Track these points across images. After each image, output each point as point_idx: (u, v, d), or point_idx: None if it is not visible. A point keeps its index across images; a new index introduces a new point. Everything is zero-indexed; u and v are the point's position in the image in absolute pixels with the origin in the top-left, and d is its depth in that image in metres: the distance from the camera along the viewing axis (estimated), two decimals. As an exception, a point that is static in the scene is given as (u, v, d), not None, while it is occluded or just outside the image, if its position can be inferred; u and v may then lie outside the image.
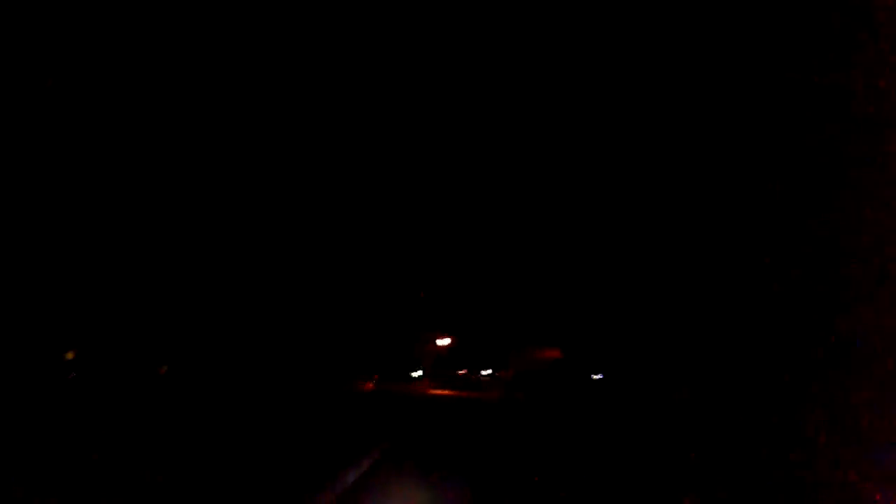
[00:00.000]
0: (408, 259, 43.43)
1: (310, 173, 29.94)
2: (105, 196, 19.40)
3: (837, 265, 14.53)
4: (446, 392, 42.97)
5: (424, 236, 43.52)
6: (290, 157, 27.64)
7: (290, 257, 30.30)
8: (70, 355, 17.29)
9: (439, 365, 49.80)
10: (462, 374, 56.70)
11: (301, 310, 31.57)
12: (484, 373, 55.09)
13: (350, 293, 36.80)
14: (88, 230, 19.14)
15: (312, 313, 32.77)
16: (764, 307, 18.14)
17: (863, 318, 13.00)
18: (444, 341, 47.52)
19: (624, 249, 28.47)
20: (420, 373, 50.57)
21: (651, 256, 25.83)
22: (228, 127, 23.34)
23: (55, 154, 17.43)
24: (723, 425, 14.29)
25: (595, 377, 30.93)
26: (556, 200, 34.38)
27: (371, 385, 36.45)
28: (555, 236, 36.51)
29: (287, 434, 8.93)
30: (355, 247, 35.59)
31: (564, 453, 9.06)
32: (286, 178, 28.20)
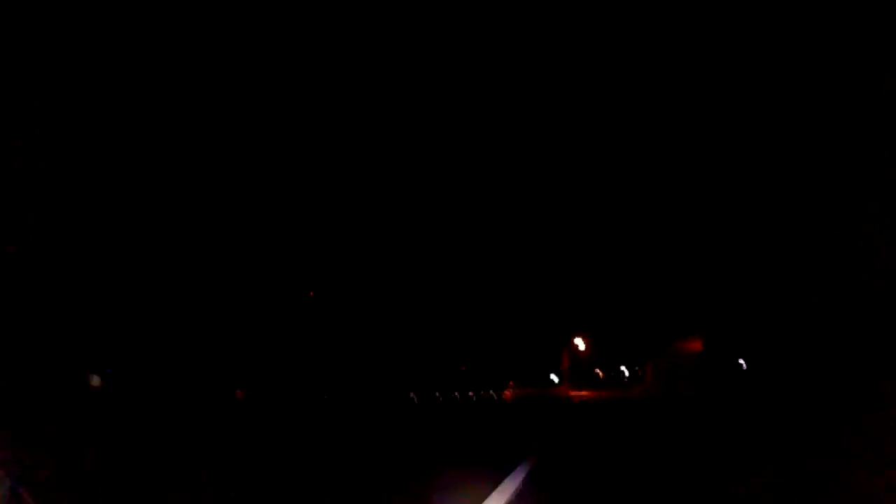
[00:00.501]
0: (533, 262, 43.43)
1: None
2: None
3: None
4: (588, 393, 42.32)
5: (546, 241, 43.52)
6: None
7: (411, 270, 30.68)
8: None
9: (577, 366, 49.02)
10: (600, 374, 55.74)
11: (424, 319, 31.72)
12: (624, 370, 53.91)
13: (473, 298, 36.89)
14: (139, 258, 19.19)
15: (434, 321, 32.87)
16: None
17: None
18: (580, 342, 46.77)
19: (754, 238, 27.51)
20: (555, 377, 50.08)
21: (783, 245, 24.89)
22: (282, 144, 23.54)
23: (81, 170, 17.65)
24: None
25: (741, 363, 29.44)
26: (683, 196, 33.63)
27: (509, 394, 36.16)
28: (685, 229, 35.62)
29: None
30: (476, 255, 35.91)
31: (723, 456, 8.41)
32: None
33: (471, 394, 31.35)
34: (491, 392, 34.07)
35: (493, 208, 37.16)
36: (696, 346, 34.87)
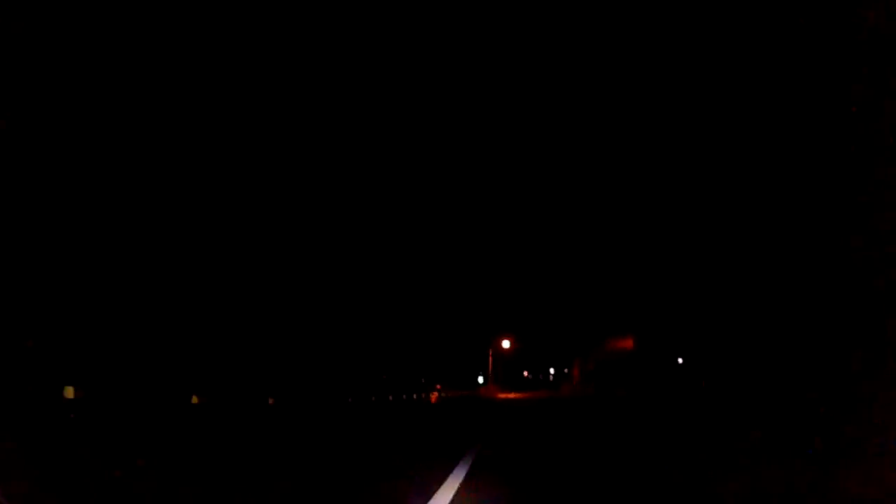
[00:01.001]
0: (456, 263, 42.04)
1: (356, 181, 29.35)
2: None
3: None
4: (517, 395, 41.15)
5: (471, 238, 42.24)
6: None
7: (341, 271, 29.28)
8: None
9: (503, 368, 47.87)
10: (526, 375, 54.89)
11: (349, 323, 30.19)
12: (551, 371, 53.15)
13: (397, 301, 35.40)
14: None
15: (361, 325, 31.36)
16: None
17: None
18: (505, 342, 45.58)
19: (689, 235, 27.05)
20: (482, 378, 48.88)
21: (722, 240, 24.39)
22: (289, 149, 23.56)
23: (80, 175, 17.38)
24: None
25: (678, 361, 28.70)
26: (611, 189, 32.96)
27: (435, 396, 34.66)
28: (611, 224, 34.96)
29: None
30: (399, 255, 34.45)
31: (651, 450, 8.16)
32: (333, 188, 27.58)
33: (390, 397, 29.71)
34: (414, 395, 32.44)
35: (412, 206, 35.52)
36: (626, 344, 34.16)
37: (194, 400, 18.68)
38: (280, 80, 22.37)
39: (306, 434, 11.86)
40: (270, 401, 21.41)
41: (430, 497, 4.96)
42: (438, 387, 36.68)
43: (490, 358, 44.80)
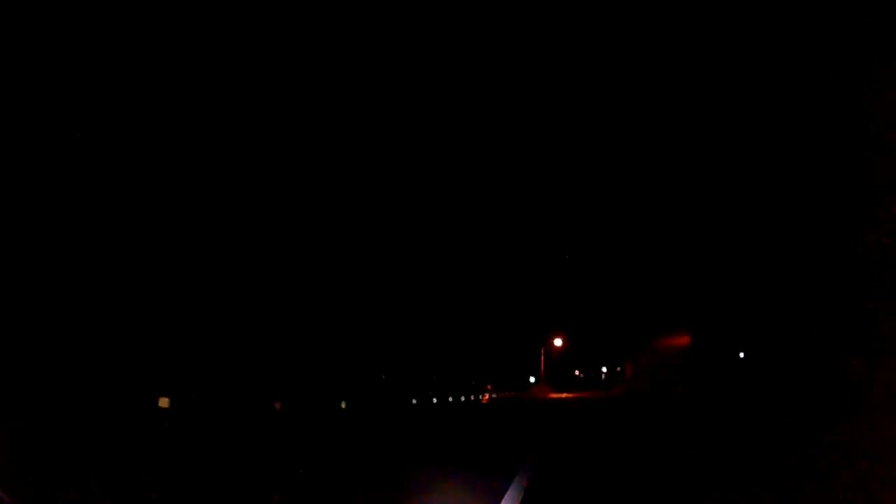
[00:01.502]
0: (505, 260, 41.42)
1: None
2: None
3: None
4: (569, 395, 40.35)
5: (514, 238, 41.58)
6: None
7: (387, 277, 28.98)
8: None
9: (555, 367, 46.98)
10: (578, 374, 53.87)
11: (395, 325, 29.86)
12: (603, 370, 52.01)
13: (447, 301, 34.91)
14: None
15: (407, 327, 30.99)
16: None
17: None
18: (558, 341, 44.74)
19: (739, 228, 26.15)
20: (533, 379, 48.07)
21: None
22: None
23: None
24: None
25: (739, 355, 27.56)
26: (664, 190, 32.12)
27: (487, 398, 34.16)
28: (660, 222, 34.02)
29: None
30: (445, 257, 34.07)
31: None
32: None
33: (451, 399, 29.37)
34: (462, 398, 31.93)
35: (462, 207, 35.01)
36: (681, 340, 33.06)
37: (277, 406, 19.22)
38: (282, 80, 21.87)
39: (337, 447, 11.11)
40: (343, 405, 21.53)
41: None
42: (489, 387, 36.21)
43: (542, 357, 44.05)
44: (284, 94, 21.74)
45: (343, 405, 21.18)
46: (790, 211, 22.53)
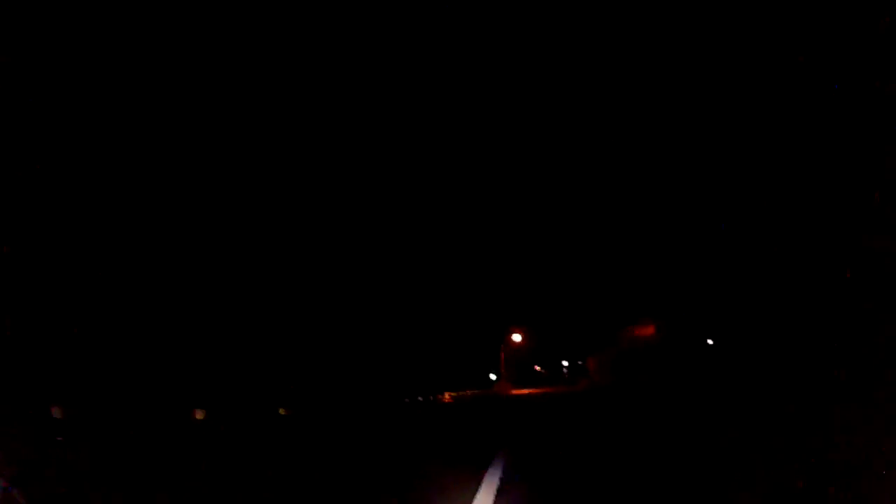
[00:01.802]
0: (460, 255, 40.42)
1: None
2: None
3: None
4: (530, 391, 39.60)
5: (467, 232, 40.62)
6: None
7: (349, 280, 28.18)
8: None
9: (515, 363, 46.03)
10: (540, 370, 53.12)
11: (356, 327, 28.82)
12: (564, 364, 51.35)
13: (401, 300, 33.89)
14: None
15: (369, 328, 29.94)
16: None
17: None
18: (517, 337, 43.82)
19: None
20: (494, 375, 47.33)
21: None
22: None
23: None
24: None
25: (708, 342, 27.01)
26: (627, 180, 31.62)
27: (448, 396, 33.15)
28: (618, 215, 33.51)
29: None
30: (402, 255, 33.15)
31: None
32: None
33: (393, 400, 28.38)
34: (420, 398, 31.01)
35: (416, 202, 34.01)
36: (645, 330, 32.45)
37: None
38: (280, 80, 22.43)
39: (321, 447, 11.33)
40: (282, 411, 21.34)
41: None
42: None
43: (502, 354, 43.16)
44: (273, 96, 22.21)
45: (282, 412, 20.46)
46: (751, 193, 22.10)
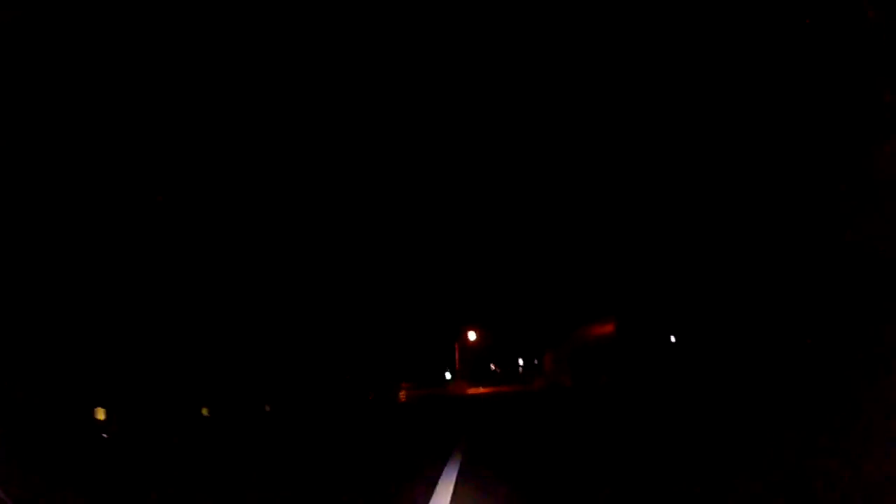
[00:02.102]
0: (413, 254, 39.64)
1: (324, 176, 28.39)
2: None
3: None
4: (488, 390, 39.22)
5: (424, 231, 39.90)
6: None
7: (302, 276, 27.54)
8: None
9: (470, 362, 45.45)
10: (495, 368, 52.66)
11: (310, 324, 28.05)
12: (520, 362, 50.99)
13: (355, 298, 33.10)
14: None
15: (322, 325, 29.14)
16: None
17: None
18: (472, 335, 43.27)
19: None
20: (449, 374, 46.83)
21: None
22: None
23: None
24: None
25: (670, 339, 26.65)
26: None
27: (403, 395, 32.46)
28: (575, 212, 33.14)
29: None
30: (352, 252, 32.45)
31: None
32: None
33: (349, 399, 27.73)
34: (371, 395, 30.39)
35: (369, 200, 33.22)
36: (604, 328, 32.05)
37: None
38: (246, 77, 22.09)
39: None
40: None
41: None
42: (405, 385, 34.58)
43: (457, 352, 42.60)
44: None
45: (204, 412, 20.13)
46: (713, 186, 21.83)
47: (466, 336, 43.50)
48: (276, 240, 25.78)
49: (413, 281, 39.11)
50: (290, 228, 26.98)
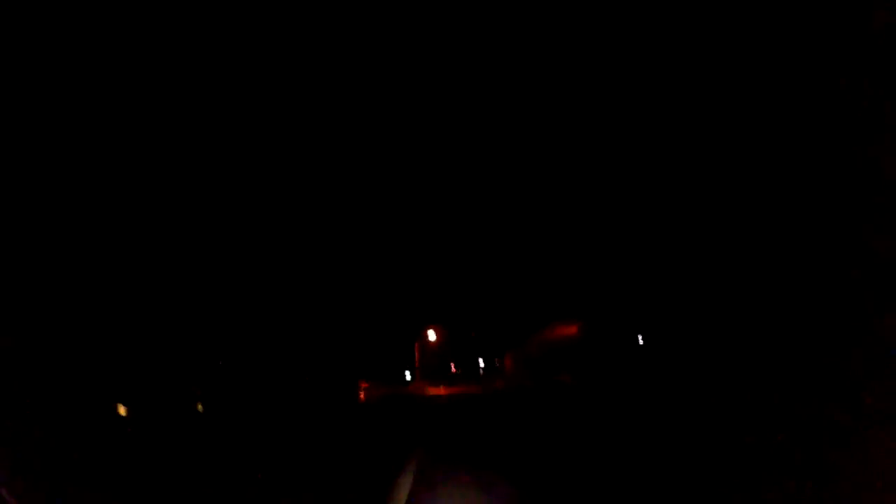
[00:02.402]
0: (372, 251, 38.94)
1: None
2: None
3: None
4: (448, 391, 38.71)
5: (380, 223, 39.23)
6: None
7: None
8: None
9: (430, 362, 44.93)
10: (455, 369, 52.25)
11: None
12: (480, 363, 50.50)
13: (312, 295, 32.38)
14: None
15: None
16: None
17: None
18: (432, 335, 42.90)
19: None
20: (408, 374, 46.40)
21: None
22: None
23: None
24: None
25: (637, 339, 26.43)
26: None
27: (362, 395, 31.87)
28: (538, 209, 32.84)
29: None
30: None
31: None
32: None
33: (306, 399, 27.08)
34: (343, 395, 29.71)
35: (326, 192, 32.61)
36: (568, 329, 31.76)
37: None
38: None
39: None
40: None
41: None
42: (364, 385, 33.94)
43: (416, 352, 42.15)
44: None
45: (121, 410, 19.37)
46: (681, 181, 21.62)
47: (427, 336, 43.08)
48: (225, 230, 25.20)
49: (373, 279, 38.46)
50: (246, 221, 26.40)
